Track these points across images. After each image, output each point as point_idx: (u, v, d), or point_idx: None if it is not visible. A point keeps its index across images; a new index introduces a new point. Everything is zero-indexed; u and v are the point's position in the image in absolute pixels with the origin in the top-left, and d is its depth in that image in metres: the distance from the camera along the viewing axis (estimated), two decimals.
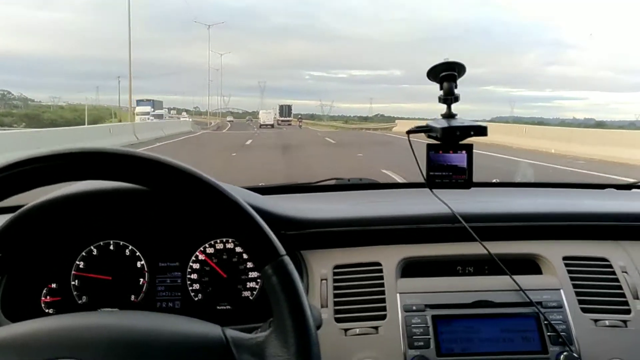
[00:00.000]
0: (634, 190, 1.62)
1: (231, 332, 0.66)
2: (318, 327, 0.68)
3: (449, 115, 1.19)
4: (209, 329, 0.66)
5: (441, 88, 1.20)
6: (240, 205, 0.67)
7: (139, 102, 56.72)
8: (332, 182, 1.65)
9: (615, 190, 1.61)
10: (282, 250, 0.66)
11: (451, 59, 1.20)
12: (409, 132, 1.22)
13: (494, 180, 1.73)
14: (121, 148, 0.66)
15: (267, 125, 56.64)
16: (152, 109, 45.75)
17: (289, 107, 74.28)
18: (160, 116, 40.28)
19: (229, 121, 76.94)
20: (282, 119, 69.03)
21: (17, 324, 0.68)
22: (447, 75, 1.19)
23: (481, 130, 1.15)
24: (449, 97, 1.19)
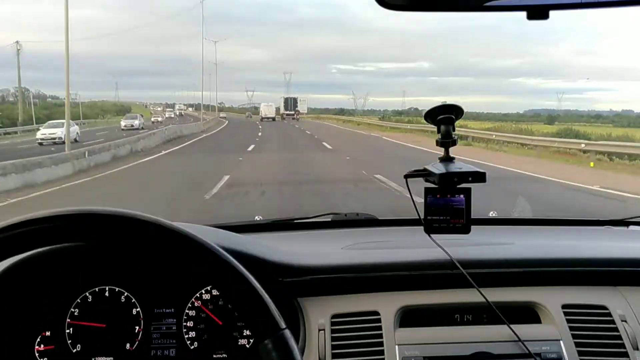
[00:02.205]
0: (631, 227, 1.61)
1: None
2: None
3: (447, 159, 1.19)
4: None
5: (439, 131, 1.19)
6: (241, 273, 0.65)
7: None
8: (329, 217, 1.64)
9: (612, 227, 1.61)
10: (282, 324, 0.65)
11: (449, 102, 1.20)
12: (406, 177, 1.22)
13: (491, 214, 1.73)
14: (113, 209, 0.63)
15: (268, 118, 55.64)
16: None
17: (294, 99, 68.68)
18: None
19: (221, 117, 61.21)
20: (287, 112, 64.86)
21: None
22: (444, 118, 1.19)
23: (479, 177, 1.14)
24: (446, 140, 1.18)
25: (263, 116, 58.12)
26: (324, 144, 20.76)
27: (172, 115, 66.75)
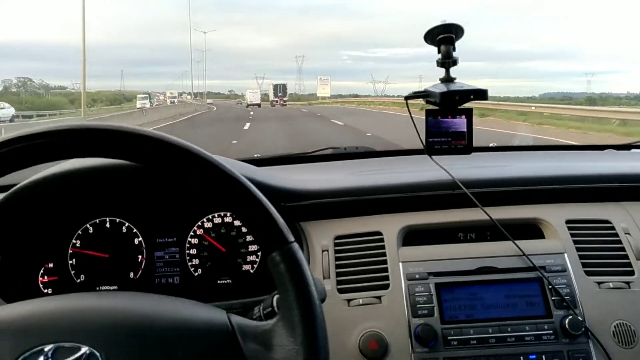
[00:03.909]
0: (633, 150, 1.60)
1: (237, 319, 0.65)
2: (322, 300, 0.67)
3: (447, 80, 1.16)
4: (214, 315, 0.65)
5: (439, 51, 1.16)
6: (249, 189, 0.64)
7: None
8: (329, 151, 1.63)
9: (615, 151, 1.59)
10: (291, 237, 0.64)
11: (449, 21, 1.17)
12: (407, 98, 1.19)
13: (492, 144, 1.71)
14: (132, 126, 0.63)
15: (253, 104, 57.63)
16: None
17: (284, 85, 71.73)
18: None
19: (209, 104, 60.17)
20: (276, 99, 68.11)
21: (14, 305, 0.66)
22: (444, 37, 1.15)
23: (481, 94, 1.12)
24: (447, 60, 1.15)
25: (248, 102, 60.49)
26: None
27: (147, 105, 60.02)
